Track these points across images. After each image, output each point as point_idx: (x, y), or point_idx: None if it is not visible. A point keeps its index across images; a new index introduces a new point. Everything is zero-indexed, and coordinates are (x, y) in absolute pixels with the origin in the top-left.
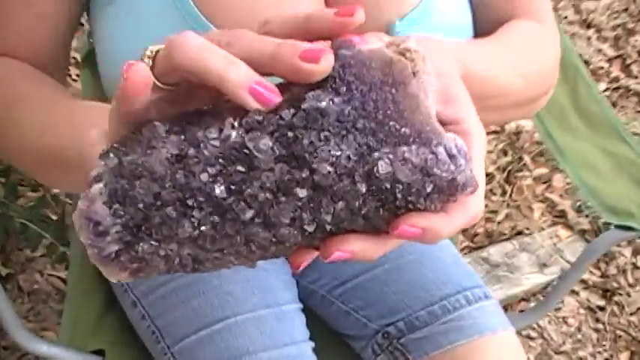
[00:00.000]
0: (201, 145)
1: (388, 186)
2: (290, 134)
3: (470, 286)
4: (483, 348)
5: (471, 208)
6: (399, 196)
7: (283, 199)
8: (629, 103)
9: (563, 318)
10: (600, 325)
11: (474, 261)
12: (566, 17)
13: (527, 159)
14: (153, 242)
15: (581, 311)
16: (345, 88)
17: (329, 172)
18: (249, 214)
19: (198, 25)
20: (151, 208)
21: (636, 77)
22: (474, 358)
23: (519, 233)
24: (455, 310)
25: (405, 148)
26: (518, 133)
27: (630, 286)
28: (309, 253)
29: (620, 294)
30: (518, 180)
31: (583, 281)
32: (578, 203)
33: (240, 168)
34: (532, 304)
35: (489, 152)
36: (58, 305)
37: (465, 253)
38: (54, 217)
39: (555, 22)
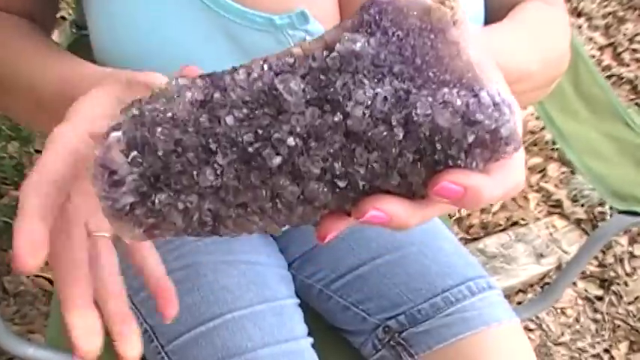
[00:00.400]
0: (228, 87)
1: (427, 133)
2: (323, 77)
3: (473, 276)
4: (489, 339)
5: (512, 173)
6: (438, 146)
7: (314, 144)
8: (622, 92)
9: (561, 309)
10: (598, 316)
11: (469, 253)
12: None
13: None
14: (171, 193)
15: (579, 302)
16: (380, 33)
17: (363, 114)
18: (277, 160)
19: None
20: (172, 155)
21: (628, 65)
22: (481, 350)
23: (515, 224)
24: (458, 301)
25: (445, 90)
26: None
27: (628, 275)
28: (339, 220)
29: (618, 283)
30: None
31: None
32: (574, 192)
33: (268, 111)
34: (529, 295)
35: None
36: (45, 307)
37: None
38: None
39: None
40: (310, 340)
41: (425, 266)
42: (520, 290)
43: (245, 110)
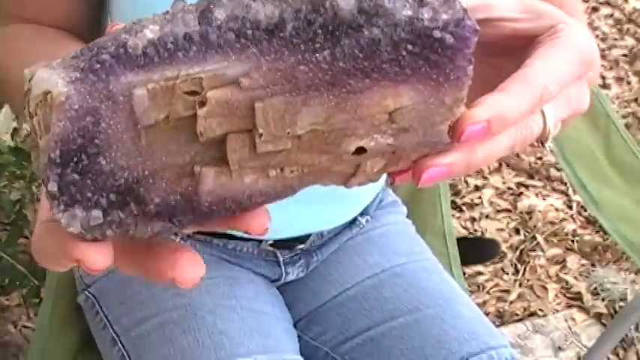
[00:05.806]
0: None
1: None
2: None
3: (496, 345)
4: None
5: (533, 82)
6: None
7: None
8: None
9: None
10: None
11: None
12: None
13: (540, 239)
14: None
15: None
16: None
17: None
18: None
19: None
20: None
21: None
22: None
23: (532, 314)
24: None
25: None
26: (530, 212)
27: None
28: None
29: None
30: (531, 259)
31: None
32: (594, 285)
33: None
34: None
35: (501, 230)
36: None
37: None
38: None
39: None
40: None
41: (442, 331)
42: None
43: None
